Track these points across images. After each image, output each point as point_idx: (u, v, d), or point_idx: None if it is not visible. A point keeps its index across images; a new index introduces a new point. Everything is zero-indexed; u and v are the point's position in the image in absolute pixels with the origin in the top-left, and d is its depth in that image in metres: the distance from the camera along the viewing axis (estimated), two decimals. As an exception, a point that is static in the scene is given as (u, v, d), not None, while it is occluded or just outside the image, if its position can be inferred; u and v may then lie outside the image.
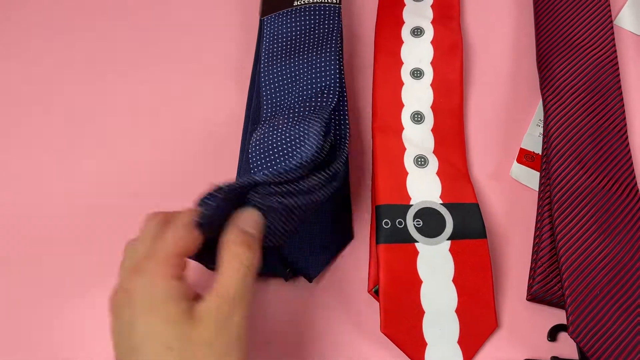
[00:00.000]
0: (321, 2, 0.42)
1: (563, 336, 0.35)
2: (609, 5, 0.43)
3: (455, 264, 0.35)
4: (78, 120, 0.43)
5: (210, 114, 0.43)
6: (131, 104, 0.44)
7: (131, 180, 0.40)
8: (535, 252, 0.36)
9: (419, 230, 0.36)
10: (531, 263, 0.36)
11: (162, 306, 0.26)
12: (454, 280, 0.35)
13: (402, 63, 0.42)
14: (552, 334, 0.35)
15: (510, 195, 0.39)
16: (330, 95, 0.37)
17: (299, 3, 0.42)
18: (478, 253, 0.35)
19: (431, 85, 0.41)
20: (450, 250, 0.35)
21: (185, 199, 0.30)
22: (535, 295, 0.35)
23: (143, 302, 0.26)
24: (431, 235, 0.36)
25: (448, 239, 0.36)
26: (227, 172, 0.40)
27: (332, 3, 0.42)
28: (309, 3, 0.42)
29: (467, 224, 0.36)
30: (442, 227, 0.36)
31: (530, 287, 0.35)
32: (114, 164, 0.41)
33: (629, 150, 0.38)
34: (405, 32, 0.43)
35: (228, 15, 0.47)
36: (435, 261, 0.35)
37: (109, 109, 0.43)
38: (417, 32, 0.43)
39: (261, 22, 0.43)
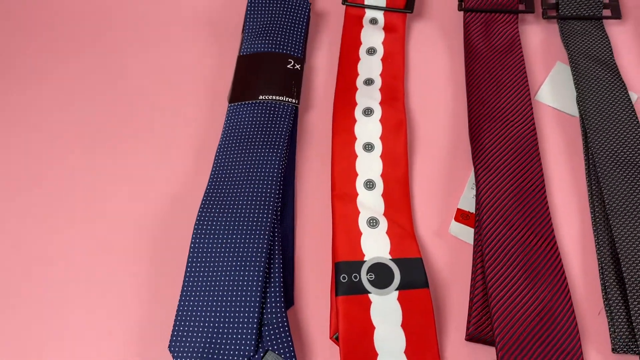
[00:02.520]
0: (281, 101, 0.50)
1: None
2: (528, 84, 0.51)
3: (403, 311, 0.41)
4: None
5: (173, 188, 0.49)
6: (93, 179, 0.50)
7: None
8: (471, 298, 0.42)
9: (371, 282, 0.42)
10: (468, 308, 0.42)
11: None
12: (402, 325, 0.41)
13: (356, 138, 0.49)
14: (488, 369, 0.40)
15: (451, 250, 0.45)
16: (269, 196, 0.45)
17: (263, 98, 0.50)
18: (422, 301, 0.41)
19: (380, 157, 0.48)
20: (399, 299, 0.41)
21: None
22: (472, 336, 0.41)
23: None
24: (382, 287, 0.42)
25: (396, 290, 0.42)
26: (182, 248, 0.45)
27: (290, 102, 0.50)
28: (271, 99, 0.50)
29: (412, 276, 0.42)
30: (391, 279, 0.42)
31: (467, 328, 0.41)
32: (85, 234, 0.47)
33: (548, 208, 0.45)
34: (358, 112, 0.50)
35: (197, 99, 0.54)
36: (385, 309, 0.41)
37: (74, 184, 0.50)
38: (368, 112, 0.50)
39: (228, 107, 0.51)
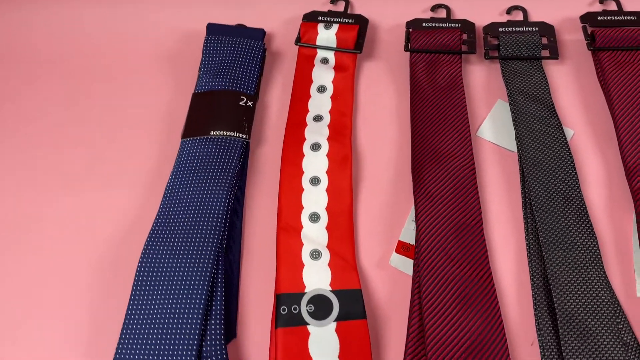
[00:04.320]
0: (232, 136, 0.51)
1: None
2: (468, 121, 0.53)
3: (340, 343, 0.42)
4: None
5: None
6: (41, 212, 0.51)
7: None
8: (408, 329, 0.43)
9: (310, 314, 0.43)
10: (406, 339, 0.43)
11: None
12: (340, 356, 0.41)
13: (303, 172, 0.51)
14: (423, 400, 0.41)
15: (391, 281, 0.47)
16: (214, 229, 0.46)
17: (214, 133, 0.52)
18: (359, 332, 0.42)
19: (326, 190, 0.50)
20: (336, 330, 0.42)
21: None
22: (408, 367, 0.42)
23: None
24: (320, 318, 0.43)
25: (334, 321, 0.43)
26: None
27: (240, 137, 0.52)
28: (222, 135, 0.51)
29: (351, 307, 0.43)
30: (329, 310, 0.43)
31: (404, 358, 0.42)
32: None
33: (484, 241, 0.47)
34: (306, 147, 0.52)
35: (152, 134, 0.56)
36: (323, 341, 0.42)
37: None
38: (316, 147, 0.52)
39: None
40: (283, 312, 0.43)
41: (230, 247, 0.48)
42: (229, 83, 0.55)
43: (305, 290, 0.44)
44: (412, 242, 0.48)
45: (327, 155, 0.52)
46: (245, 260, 0.48)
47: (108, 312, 0.45)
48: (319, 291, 0.44)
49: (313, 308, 0.43)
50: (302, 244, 0.47)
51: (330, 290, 0.44)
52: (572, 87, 0.57)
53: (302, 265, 0.46)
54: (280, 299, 0.44)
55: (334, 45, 0.59)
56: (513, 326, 0.44)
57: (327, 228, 0.48)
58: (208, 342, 0.41)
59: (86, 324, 0.45)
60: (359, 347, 0.42)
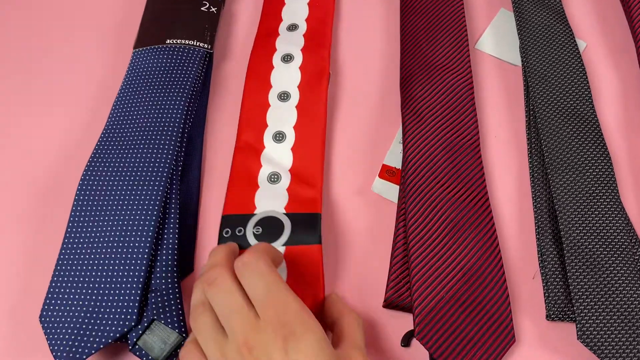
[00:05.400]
0: (191, 45, 0.44)
1: (416, 341, 0.36)
2: (466, 31, 0.46)
3: (287, 270, 0.36)
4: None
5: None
6: None
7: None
8: (391, 261, 0.38)
9: (256, 237, 0.37)
10: (388, 272, 0.38)
11: None
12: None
13: (271, 87, 0.44)
14: (406, 340, 0.36)
15: (373, 209, 0.40)
16: (167, 148, 0.40)
17: (170, 42, 0.44)
18: (311, 259, 0.36)
19: (296, 107, 0.43)
20: (285, 255, 0.37)
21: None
22: (390, 302, 0.36)
23: None
24: (267, 242, 0.37)
25: (283, 245, 0.37)
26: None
27: (201, 47, 0.44)
28: (180, 44, 0.44)
29: (305, 231, 0.37)
30: (279, 234, 0.37)
31: (385, 293, 0.37)
32: None
33: (481, 163, 0.41)
34: (276, 59, 0.45)
35: (101, 44, 0.49)
36: None
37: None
38: (287, 58, 0.45)
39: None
40: (226, 235, 0.37)
41: (189, 169, 0.42)
42: (190, -15, 0.48)
43: (255, 212, 0.38)
44: (399, 165, 0.42)
45: (300, 67, 0.45)
46: (206, 185, 0.42)
47: (45, 240, 0.39)
48: (271, 213, 0.38)
49: (260, 230, 0.37)
50: (260, 166, 0.40)
51: (284, 213, 0.38)
52: (585, -6, 0.50)
53: (257, 187, 0.39)
54: (225, 221, 0.37)
55: (315, -56, 0.51)
56: (512, 258, 0.38)
57: (293, 149, 0.41)
58: (157, 275, 0.35)
59: (22, 251, 0.39)
60: (309, 275, 0.36)
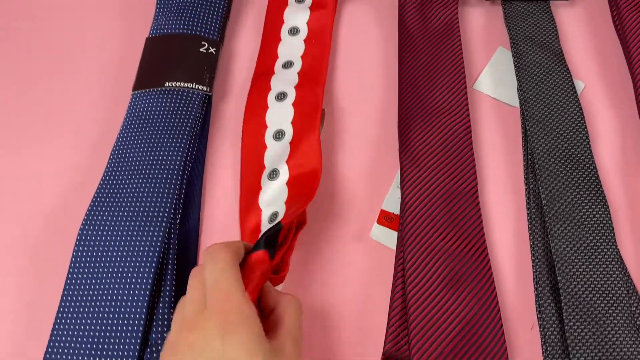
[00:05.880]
0: (190, 88, 0.44)
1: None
2: (464, 72, 0.46)
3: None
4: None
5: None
6: None
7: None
8: (389, 311, 0.38)
9: None
10: (387, 323, 0.38)
11: None
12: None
13: (267, 127, 0.44)
14: (404, 393, 0.36)
15: (372, 256, 0.41)
16: (166, 195, 0.40)
17: (169, 85, 0.44)
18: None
19: (290, 143, 0.43)
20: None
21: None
22: (388, 355, 0.36)
23: None
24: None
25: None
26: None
27: (200, 90, 0.44)
28: (179, 87, 0.44)
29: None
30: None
31: (384, 345, 0.37)
32: None
33: (479, 210, 0.41)
34: (270, 98, 0.45)
35: (99, 87, 0.49)
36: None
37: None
38: (281, 96, 0.45)
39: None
40: None
41: (188, 215, 0.42)
42: (189, 26, 0.47)
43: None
44: (397, 211, 0.42)
45: (293, 104, 0.44)
46: (205, 230, 0.42)
47: (44, 291, 0.39)
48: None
49: None
50: (259, 210, 0.40)
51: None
52: (583, 33, 0.50)
53: (259, 231, 0.40)
54: None
55: (312, -19, 0.51)
56: (510, 309, 0.38)
57: (288, 184, 0.41)
58: (154, 330, 0.35)
59: (19, 300, 0.39)
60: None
